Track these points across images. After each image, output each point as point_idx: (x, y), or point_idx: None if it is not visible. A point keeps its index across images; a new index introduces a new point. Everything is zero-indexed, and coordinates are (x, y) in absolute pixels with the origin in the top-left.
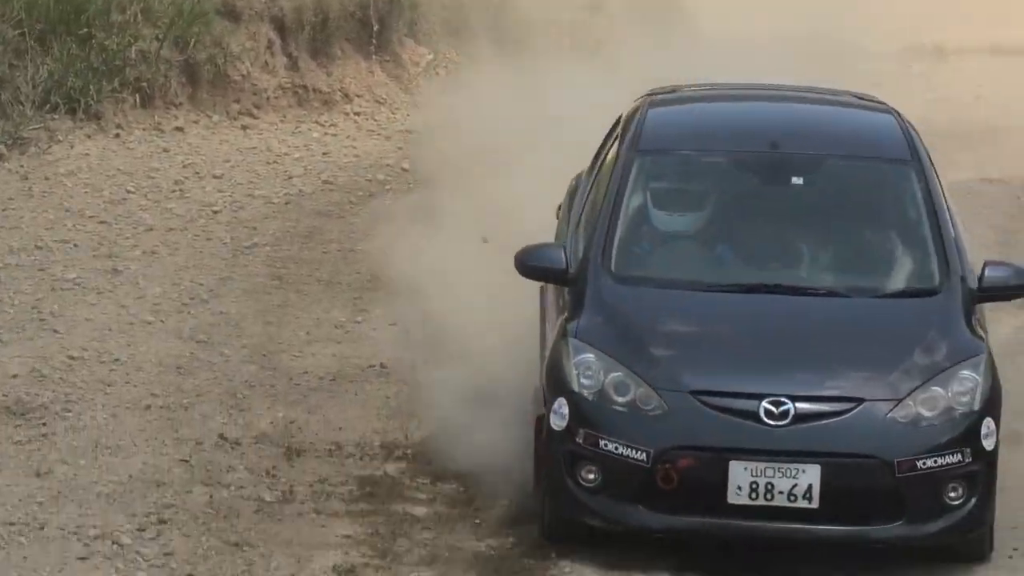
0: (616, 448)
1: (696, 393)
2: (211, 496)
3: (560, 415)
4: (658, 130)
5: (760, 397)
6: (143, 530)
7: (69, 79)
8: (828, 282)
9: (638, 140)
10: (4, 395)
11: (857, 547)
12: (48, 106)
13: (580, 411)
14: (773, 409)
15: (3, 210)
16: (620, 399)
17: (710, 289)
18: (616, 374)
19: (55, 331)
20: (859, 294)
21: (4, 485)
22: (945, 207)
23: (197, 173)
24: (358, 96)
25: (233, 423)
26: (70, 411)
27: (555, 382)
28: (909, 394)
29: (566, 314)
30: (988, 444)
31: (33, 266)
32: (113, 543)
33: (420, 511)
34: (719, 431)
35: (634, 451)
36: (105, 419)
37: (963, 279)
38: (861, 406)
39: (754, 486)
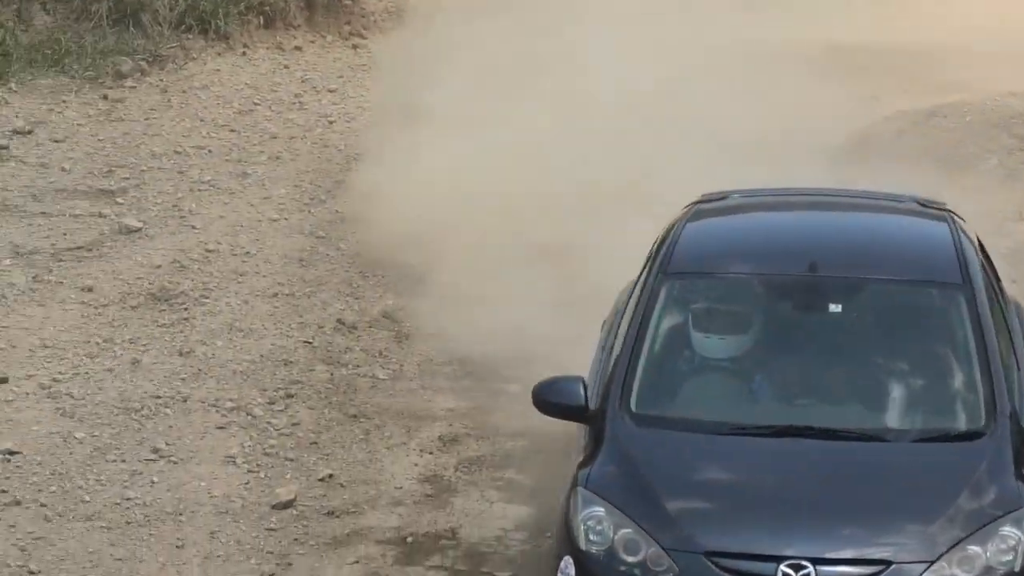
0: None
1: (710, 555)
2: (332, 374)
3: (566, 575)
4: (690, 250)
5: (778, 560)
6: (273, 403)
7: (201, 3)
8: (864, 423)
9: (668, 262)
10: (150, 283)
11: None
12: (183, 27)
13: (587, 572)
14: (792, 573)
15: (146, 120)
16: (630, 559)
17: (735, 432)
18: (626, 531)
19: (193, 227)
20: (897, 437)
21: (151, 363)
22: (995, 337)
23: (314, 87)
24: None
25: (350, 309)
26: (207, 298)
27: (563, 537)
28: (943, 555)
29: (582, 457)
30: None
31: (173, 169)
32: (247, 414)
33: (514, 388)
34: None
35: None
36: (238, 305)
37: (1014, 418)
38: (889, 569)
39: None
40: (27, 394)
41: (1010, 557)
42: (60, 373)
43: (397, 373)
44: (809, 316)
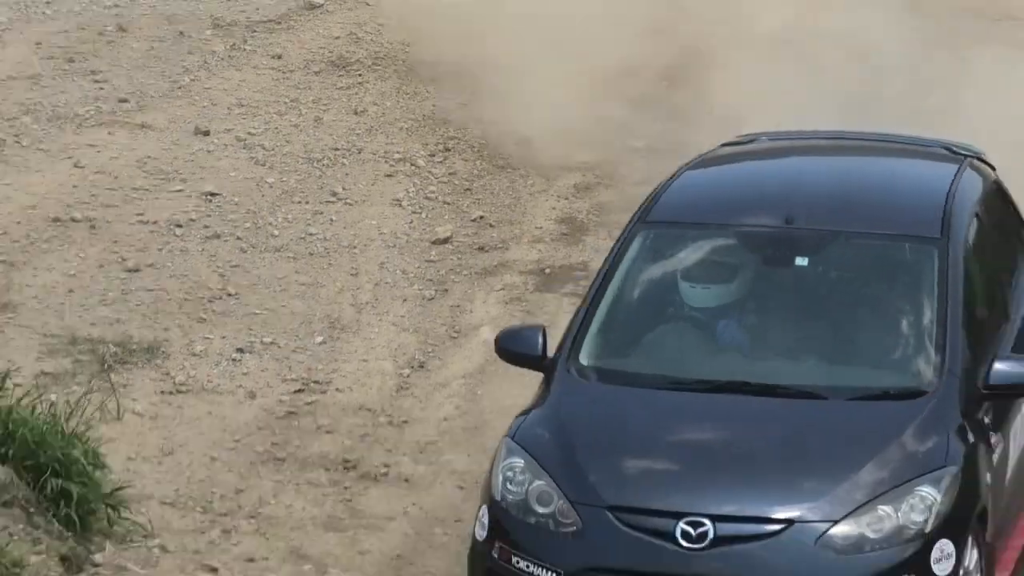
0: (528, 567)
1: (613, 509)
2: (483, 131)
3: (482, 524)
4: (675, 199)
5: (678, 516)
6: (433, 155)
7: None
8: (804, 380)
9: (648, 211)
10: (329, 52)
11: None
12: None
13: (499, 522)
14: (690, 530)
15: None
16: (541, 510)
17: (672, 387)
18: (539, 483)
19: (367, 3)
20: (836, 394)
21: (331, 120)
22: (961, 294)
23: None
24: None
25: None
26: (379, 66)
27: (485, 485)
28: (850, 514)
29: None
30: (940, 569)
31: None
32: (412, 164)
33: (639, 144)
34: (632, 553)
35: (545, 571)
36: (405, 71)
37: (962, 377)
38: (791, 528)
39: None
40: (225, 145)
41: (923, 517)
42: (254, 128)
43: (540, 132)
44: (777, 270)
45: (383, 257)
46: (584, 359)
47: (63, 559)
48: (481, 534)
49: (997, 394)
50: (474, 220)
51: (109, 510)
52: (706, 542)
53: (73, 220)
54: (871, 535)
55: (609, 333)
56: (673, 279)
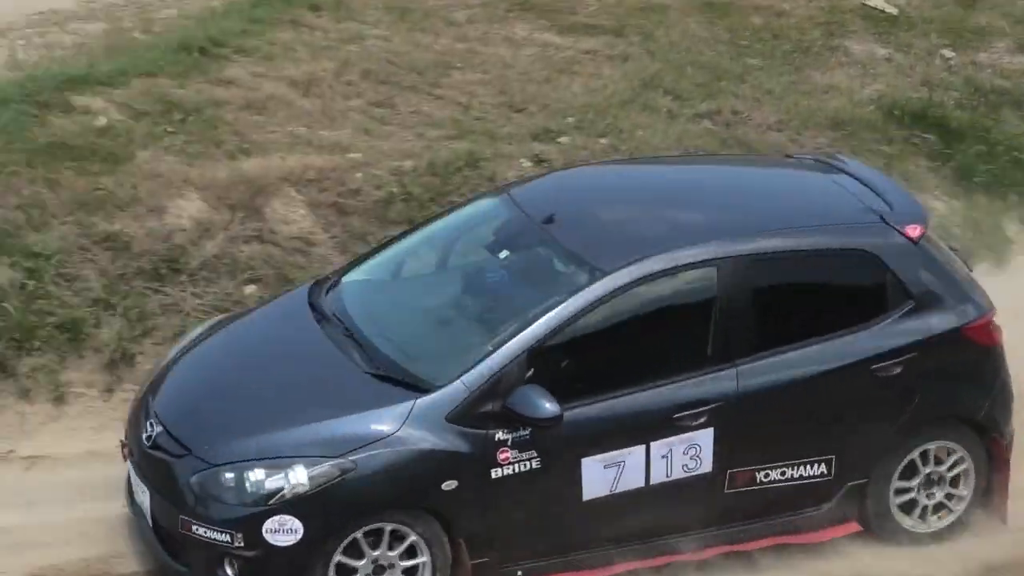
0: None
1: (149, 395)
2: None
3: None
4: (532, 186)
5: (152, 416)
6: None
7: None
8: (382, 345)
9: (506, 187)
10: None
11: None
12: None
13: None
14: (149, 432)
15: None
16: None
17: (316, 316)
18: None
19: None
20: (373, 364)
21: None
22: (549, 326)
23: None
24: None
25: None
26: None
27: None
28: (225, 464)
29: None
30: (273, 539)
31: None
32: None
33: None
34: (136, 429)
35: (122, 434)
36: None
37: (477, 390)
38: (187, 456)
39: (133, 489)
40: None
41: (275, 490)
42: None
43: None
44: (495, 255)
45: None
46: (346, 277)
47: None
48: None
49: (513, 414)
50: None
51: None
52: (151, 442)
53: None
54: (237, 486)
55: (377, 264)
56: (448, 239)
